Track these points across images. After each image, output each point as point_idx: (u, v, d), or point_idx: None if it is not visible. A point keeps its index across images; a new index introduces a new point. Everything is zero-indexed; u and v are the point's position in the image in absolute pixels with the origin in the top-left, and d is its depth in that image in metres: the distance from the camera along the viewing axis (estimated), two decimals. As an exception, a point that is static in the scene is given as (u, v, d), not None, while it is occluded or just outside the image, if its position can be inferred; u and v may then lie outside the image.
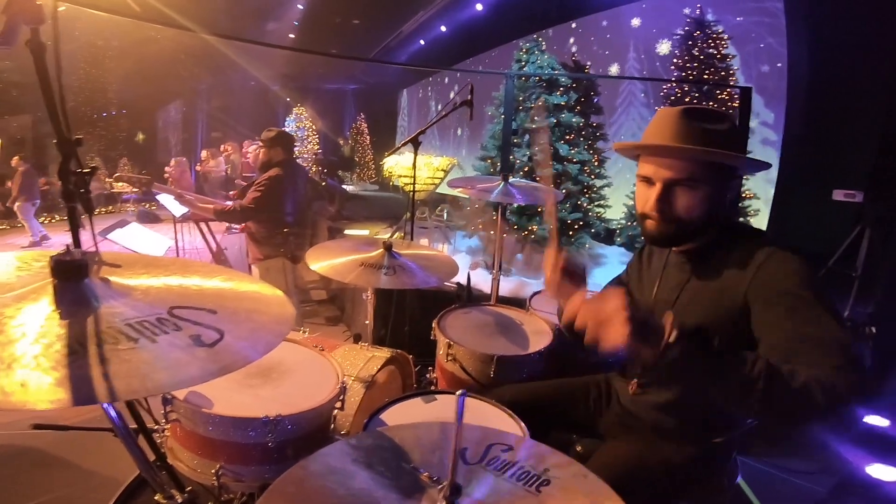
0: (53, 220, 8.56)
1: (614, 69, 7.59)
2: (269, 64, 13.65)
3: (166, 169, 10.78)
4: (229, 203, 3.32)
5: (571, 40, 8.61)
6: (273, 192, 3.12)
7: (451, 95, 2.46)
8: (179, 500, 1.09)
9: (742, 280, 1.15)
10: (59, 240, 6.96)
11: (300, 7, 10.91)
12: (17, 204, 7.94)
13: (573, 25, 8.56)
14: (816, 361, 0.94)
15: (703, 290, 1.24)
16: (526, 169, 5.43)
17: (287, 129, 10.61)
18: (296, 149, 3.56)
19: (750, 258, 1.16)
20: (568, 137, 5.56)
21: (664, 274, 1.36)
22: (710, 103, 5.65)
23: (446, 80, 13.28)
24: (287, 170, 3.24)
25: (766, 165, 1.28)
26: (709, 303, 1.21)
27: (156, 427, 1.43)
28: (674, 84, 5.98)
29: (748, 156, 1.22)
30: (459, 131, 12.55)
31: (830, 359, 0.94)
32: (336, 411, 1.46)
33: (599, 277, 4.90)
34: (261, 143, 3.29)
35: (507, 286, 4.00)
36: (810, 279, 1.08)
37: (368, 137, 16.72)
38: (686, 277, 1.29)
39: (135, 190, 11.56)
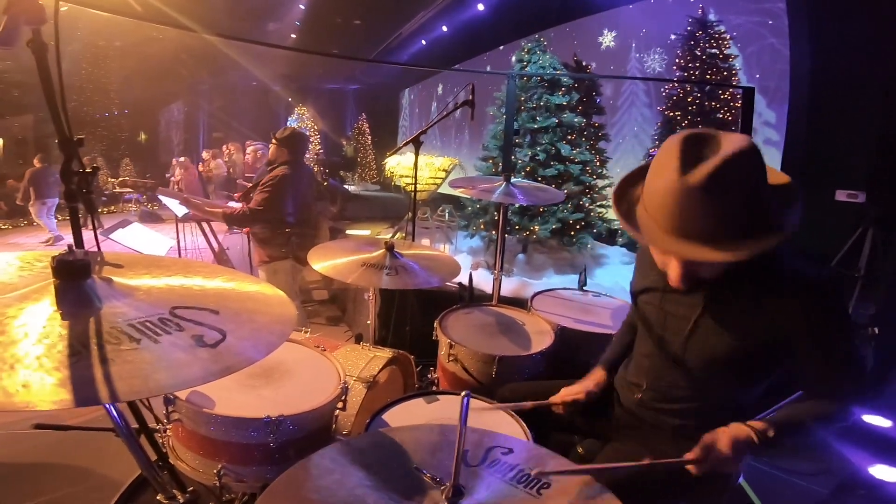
0: (56, 220, 8.63)
1: (628, 67, 7.55)
2: (271, 64, 13.67)
3: (172, 172, 10.80)
4: (234, 205, 3.30)
5: (573, 40, 8.61)
6: (279, 193, 3.08)
7: (453, 96, 2.46)
8: (181, 500, 1.09)
9: (780, 315, 1.11)
10: (68, 240, 7.01)
11: (301, 7, 10.91)
12: (30, 203, 8.08)
13: (575, 25, 8.55)
14: (843, 393, 1.12)
15: (725, 316, 1.18)
16: (528, 169, 5.43)
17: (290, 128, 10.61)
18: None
19: (788, 293, 1.11)
20: (570, 137, 5.55)
21: (667, 289, 1.29)
22: (713, 103, 5.64)
23: (447, 80, 13.28)
24: (293, 169, 3.20)
25: (786, 236, 1.05)
26: (734, 332, 1.17)
27: (158, 427, 1.43)
28: (676, 84, 5.98)
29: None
30: (463, 130, 12.55)
31: (852, 390, 1.13)
32: (338, 411, 1.46)
33: (601, 278, 4.89)
34: (274, 141, 3.28)
35: (508, 286, 3.99)
36: (847, 317, 1.17)
37: (370, 137, 16.73)
38: (700, 302, 1.22)
39: (138, 190, 11.62)
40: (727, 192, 0.99)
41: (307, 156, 4.05)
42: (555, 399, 1.47)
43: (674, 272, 1.14)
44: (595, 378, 1.51)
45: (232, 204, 3.49)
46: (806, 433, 1.13)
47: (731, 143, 1.03)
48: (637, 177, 1.23)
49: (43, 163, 8.10)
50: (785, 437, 1.09)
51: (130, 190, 11.69)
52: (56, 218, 8.51)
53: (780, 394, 1.22)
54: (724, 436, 1.07)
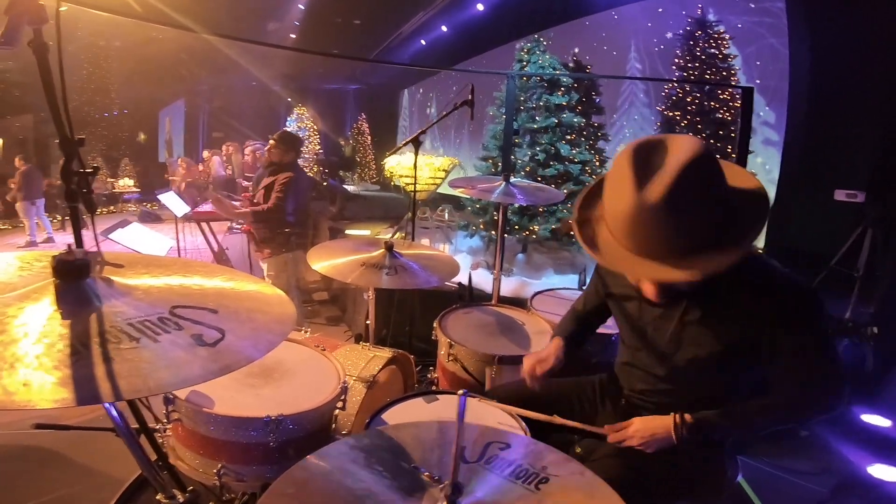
0: (55, 220, 8.60)
1: (627, 67, 7.54)
2: (271, 64, 13.65)
3: (173, 172, 10.81)
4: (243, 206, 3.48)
5: (574, 40, 8.60)
6: (292, 193, 3.26)
7: (452, 95, 2.46)
8: (181, 500, 1.09)
9: (758, 320, 1.13)
10: (64, 240, 7.01)
11: (301, 7, 10.91)
12: (17, 203, 8.04)
13: (575, 25, 8.55)
14: (804, 389, 1.16)
15: (706, 321, 1.19)
16: (527, 169, 5.43)
17: (289, 130, 10.63)
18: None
19: (767, 301, 1.12)
20: (569, 137, 5.56)
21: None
22: (712, 103, 5.65)
23: (447, 80, 13.26)
24: (298, 171, 3.42)
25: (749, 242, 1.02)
26: (714, 336, 1.18)
27: (157, 427, 1.43)
28: (675, 84, 5.98)
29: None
30: (461, 131, 12.55)
31: (823, 397, 1.16)
32: (337, 411, 1.47)
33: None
34: (273, 142, 3.35)
35: (508, 286, 4.00)
36: (825, 329, 1.17)
37: (370, 137, 16.71)
38: (681, 306, 1.22)
39: (137, 190, 11.63)
40: (688, 206, 0.96)
41: (306, 155, 4.23)
42: (525, 374, 1.46)
43: (649, 290, 1.17)
44: (555, 349, 1.49)
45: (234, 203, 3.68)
46: (757, 424, 1.23)
47: (681, 149, 0.98)
48: (594, 194, 1.16)
49: (27, 162, 8.10)
50: (715, 427, 1.20)
51: (136, 189, 11.73)
52: (50, 217, 8.50)
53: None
54: (649, 419, 1.22)
